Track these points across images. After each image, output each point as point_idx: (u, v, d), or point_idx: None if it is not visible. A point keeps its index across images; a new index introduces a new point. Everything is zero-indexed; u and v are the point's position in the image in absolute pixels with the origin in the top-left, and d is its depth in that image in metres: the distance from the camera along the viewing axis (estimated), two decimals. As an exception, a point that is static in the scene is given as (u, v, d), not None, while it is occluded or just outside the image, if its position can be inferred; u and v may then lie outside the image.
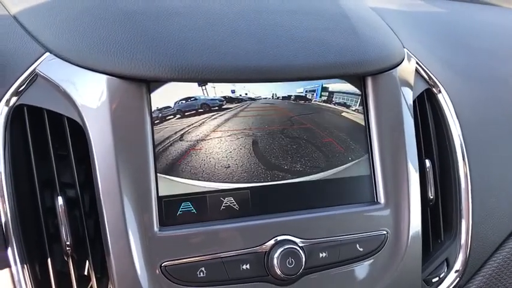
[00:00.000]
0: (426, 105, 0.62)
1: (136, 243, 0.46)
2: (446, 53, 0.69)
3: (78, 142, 0.49)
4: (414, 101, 0.59)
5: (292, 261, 0.49)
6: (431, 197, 0.58)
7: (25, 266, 0.47)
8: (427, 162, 0.59)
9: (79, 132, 0.48)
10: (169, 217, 0.48)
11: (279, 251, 0.49)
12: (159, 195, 0.48)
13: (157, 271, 0.47)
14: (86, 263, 0.50)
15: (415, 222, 0.55)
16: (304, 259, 0.50)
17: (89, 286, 0.49)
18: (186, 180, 0.49)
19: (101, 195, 0.47)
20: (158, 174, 0.48)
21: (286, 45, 0.52)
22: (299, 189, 0.53)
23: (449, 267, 0.59)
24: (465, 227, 0.60)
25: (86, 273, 0.49)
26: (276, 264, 0.49)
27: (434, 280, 0.58)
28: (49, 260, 0.48)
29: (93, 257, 0.49)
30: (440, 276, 0.58)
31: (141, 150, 0.48)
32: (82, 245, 0.49)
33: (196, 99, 0.51)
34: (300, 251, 0.50)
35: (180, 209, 0.49)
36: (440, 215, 0.60)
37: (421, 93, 0.61)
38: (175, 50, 0.48)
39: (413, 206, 0.55)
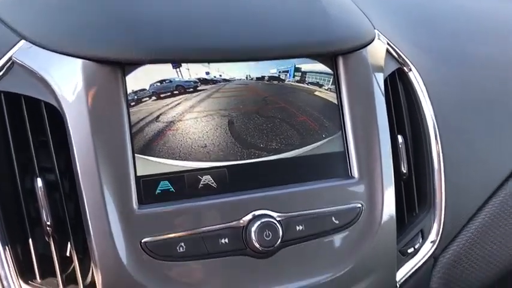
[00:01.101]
0: (398, 84, 0.64)
1: (116, 222, 0.48)
2: (417, 36, 0.71)
3: (58, 128, 0.50)
4: (386, 80, 0.61)
5: (269, 233, 0.50)
6: (405, 171, 0.60)
7: (7, 248, 0.48)
8: (400, 138, 0.61)
9: (58, 118, 0.49)
10: (148, 196, 0.50)
11: (256, 224, 0.50)
12: (137, 175, 0.49)
13: (137, 248, 0.48)
14: (68, 245, 0.51)
15: (388, 195, 0.57)
16: (281, 232, 0.51)
17: (72, 267, 0.50)
18: (164, 160, 0.51)
19: (79, 176, 0.48)
20: (136, 155, 0.49)
21: (259, 26, 0.53)
22: (275, 167, 0.54)
23: (424, 238, 0.61)
24: (438, 200, 0.62)
25: (68, 254, 0.51)
26: (253, 238, 0.50)
27: (409, 251, 0.60)
28: (31, 241, 0.49)
29: (74, 239, 0.50)
30: (415, 246, 0.60)
31: (117, 132, 0.49)
32: (63, 227, 0.50)
33: (171, 81, 0.52)
34: (277, 224, 0.51)
35: (158, 188, 0.50)
36: (414, 189, 0.62)
37: (392, 72, 0.63)
38: (149, 32, 0.49)
39: (386, 180, 0.57)
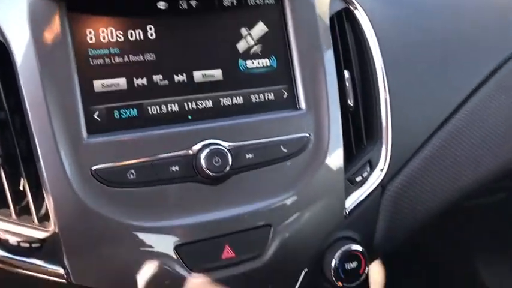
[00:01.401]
0: (344, 23, 0.66)
1: (65, 151, 0.49)
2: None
3: (4, 64, 0.50)
4: (332, 18, 0.63)
5: (218, 160, 0.52)
6: (351, 104, 0.63)
7: None
8: (346, 73, 0.63)
9: (4, 54, 0.49)
10: (97, 125, 0.51)
11: (205, 151, 0.52)
12: (86, 104, 0.50)
13: (88, 175, 0.49)
14: (21, 180, 0.51)
15: (335, 126, 0.59)
16: (230, 159, 0.53)
17: (26, 200, 0.51)
18: (112, 89, 0.52)
19: (28, 108, 0.49)
20: (83, 85, 0.50)
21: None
22: (225, 99, 0.56)
23: (372, 168, 0.64)
24: (385, 132, 0.64)
25: (22, 188, 0.51)
26: (203, 164, 0.52)
27: (358, 179, 0.62)
28: None
29: (27, 172, 0.50)
30: (364, 175, 0.63)
31: (63, 63, 0.50)
32: (16, 162, 0.51)
33: (115, 11, 0.52)
34: (226, 151, 0.53)
35: (108, 118, 0.51)
36: (361, 122, 0.65)
37: (339, 12, 0.65)
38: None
39: (332, 112, 0.59)
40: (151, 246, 0.50)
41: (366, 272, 0.61)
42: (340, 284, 0.59)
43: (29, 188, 0.50)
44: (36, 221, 0.50)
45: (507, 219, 1.10)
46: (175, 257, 0.51)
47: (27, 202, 0.51)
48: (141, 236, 0.50)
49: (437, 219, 0.74)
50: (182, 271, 0.51)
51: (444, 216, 0.91)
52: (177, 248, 0.51)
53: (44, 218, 0.50)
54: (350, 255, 0.59)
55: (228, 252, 0.53)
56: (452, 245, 1.12)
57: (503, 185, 1.01)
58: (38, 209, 0.50)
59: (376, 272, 1.14)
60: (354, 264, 0.60)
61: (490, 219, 1.10)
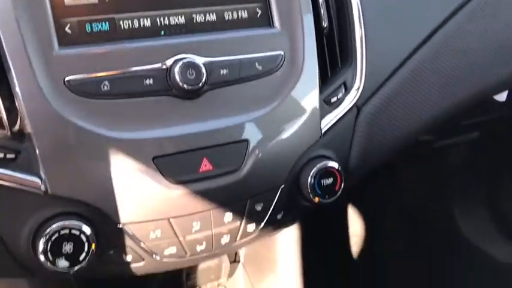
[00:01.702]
0: None
1: (37, 61, 0.48)
2: None
3: None
4: None
5: (192, 72, 0.52)
6: (325, 26, 0.63)
7: None
8: None
9: None
10: (69, 38, 0.50)
11: (179, 64, 0.52)
12: (56, 16, 0.50)
13: (61, 86, 0.49)
14: None
15: (309, 45, 0.59)
16: (204, 73, 0.53)
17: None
18: (84, 2, 0.51)
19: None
20: None
21: None
22: (198, 15, 0.56)
23: (347, 90, 0.64)
24: (360, 54, 0.65)
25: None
26: (177, 78, 0.52)
27: (333, 100, 0.63)
28: None
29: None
30: (339, 96, 0.64)
31: None
32: None
33: None
34: (201, 65, 0.53)
35: (79, 30, 0.51)
36: (336, 44, 0.65)
37: None
38: None
39: (307, 31, 0.60)
40: (128, 158, 0.50)
41: (341, 188, 0.62)
42: (317, 199, 0.61)
43: (2, 102, 0.49)
44: (9, 133, 0.49)
45: (481, 158, 1.13)
46: (153, 168, 0.51)
47: (1, 117, 0.50)
48: (118, 147, 0.50)
49: (412, 153, 0.75)
50: (160, 183, 0.52)
51: (420, 155, 0.92)
52: (154, 160, 0.51)
53: (18, 132, 0.50)
54: (326, 172, 0.61)
55: (205, 166, 0.54)
56: (427, 185, 1.15)
57: (477, 123, 1.04)
58: (12, 124, 0.50)
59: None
60: (329, 181, 0.61)
61: (465, 159, 1.13)
